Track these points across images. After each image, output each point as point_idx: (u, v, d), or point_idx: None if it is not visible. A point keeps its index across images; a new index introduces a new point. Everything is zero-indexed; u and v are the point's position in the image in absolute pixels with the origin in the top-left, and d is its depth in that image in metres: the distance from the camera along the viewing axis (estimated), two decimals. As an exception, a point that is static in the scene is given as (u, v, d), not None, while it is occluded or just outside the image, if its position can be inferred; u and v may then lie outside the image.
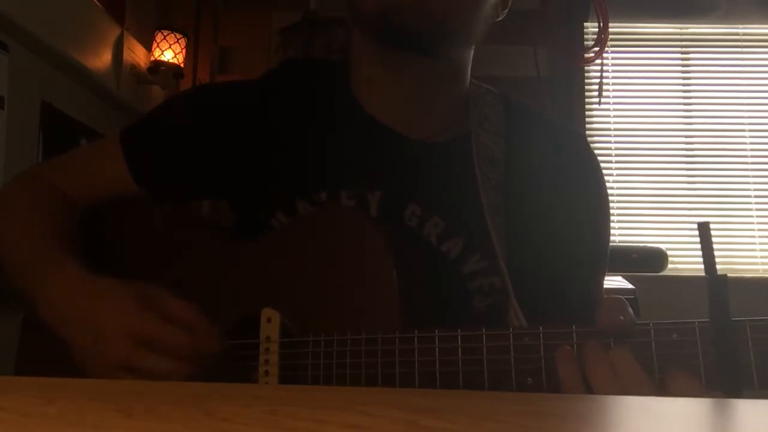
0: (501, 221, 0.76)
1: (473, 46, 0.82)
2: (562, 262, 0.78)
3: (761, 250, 2.57)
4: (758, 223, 2.59)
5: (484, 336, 0.59)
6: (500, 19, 0.82)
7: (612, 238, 2.54)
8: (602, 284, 0.83)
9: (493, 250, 0.74)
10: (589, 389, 0.54)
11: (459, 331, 0.60)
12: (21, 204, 0.83)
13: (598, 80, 2.61)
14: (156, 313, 0.65)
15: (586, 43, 2.68)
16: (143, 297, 0.66)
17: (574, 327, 0.57)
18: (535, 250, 0.77)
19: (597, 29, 2.59)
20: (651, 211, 2.63)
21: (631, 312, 0.55)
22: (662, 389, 0.53)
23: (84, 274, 0.71)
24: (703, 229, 0.51)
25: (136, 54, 2.35)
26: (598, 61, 2.61)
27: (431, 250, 0.76)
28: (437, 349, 0.60)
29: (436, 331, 0.60)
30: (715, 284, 0.51)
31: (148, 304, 0.66)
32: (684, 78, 2.73)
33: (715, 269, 0.51)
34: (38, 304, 0.72)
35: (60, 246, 0.74)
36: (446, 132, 0.81)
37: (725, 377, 0.51)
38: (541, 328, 0.57)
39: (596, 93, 2.60)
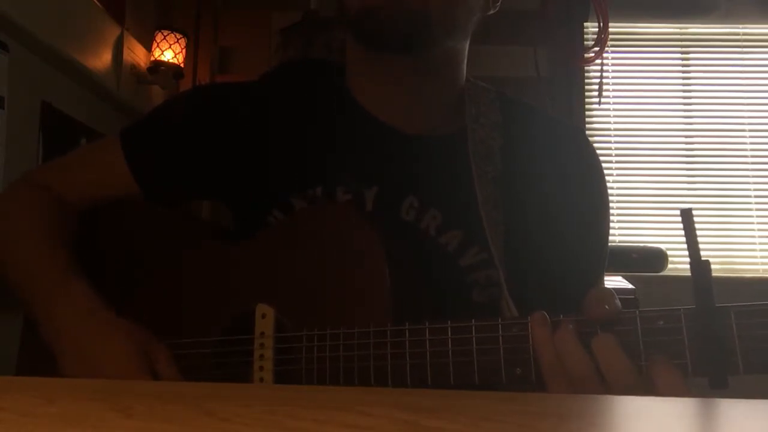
0: (498, 215, 0.76)
1: (465, 41, 0.81)
2: (560, 256, 0.78)
3: (761, 250, 2.57)
4: (758, 223, 2.58)
5: (473, 327, 0.59)
6: (492, 12, 0.82)
7: (612, 238, 2.55)
8: (602, 281, 0.83)
9: (489, 243, 0.74)
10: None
11: (449, 323, 0.60)
12: (21, 213, 0.82)
13: (598, 80, 2.61)
14: (149, 370, 0.67)
15: (586, 43, 2.68)
16: (142, 351, 0.68)
17: (561, 316, 0.57)
18: (533, 243, 0.78)
19: (597, 29, 2.59)
20: (651, 211, 2.63)
21: (618, 302, 0.56)
22: (643, 378, 0.53)
23: (89, 303, 0.71)
24: (686, 216, 0.52)
25: (136, 54, 2.35)
26: (598, 61, 2.60)
27: (430, 242, 0.76)
28: (428, 341, 0.60)
29: (427, 323, 0.61)
30: (699, 270, 0.52)
31: (145, 360, 0.67)
32: (684, 78, 2.73)
33: (699, 255, 0.52)
34: (41, 326, 0.72)
35: (64, 266, 0.74)
36: (443, 127, 0.81)
37: (711, 363, 0.51)
38: (529, 318, 0.58)
39: (596, 93, 2.60)
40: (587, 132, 2.65)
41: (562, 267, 0.78)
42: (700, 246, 0.52)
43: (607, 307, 0.55)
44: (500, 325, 0.59)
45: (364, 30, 0.74)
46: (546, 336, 0.56)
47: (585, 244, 0.81)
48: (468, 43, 0.82)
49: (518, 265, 0.75)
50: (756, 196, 2.61)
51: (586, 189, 0.82)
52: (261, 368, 0.68)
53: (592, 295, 0.56)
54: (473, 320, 0.60)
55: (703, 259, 0.52)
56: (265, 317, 0.68)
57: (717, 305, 0.52)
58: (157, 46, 2.39)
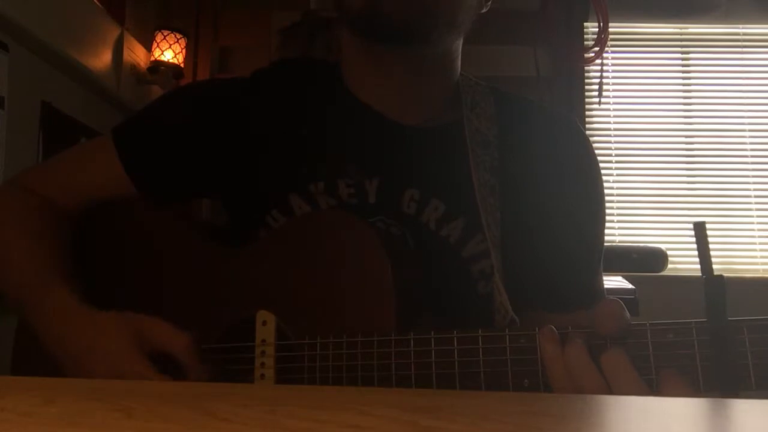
0: (495, 201, 0.76)
1: (460, 37, 0.82)
2: (555, 243, 0.78)
3: (761, 250, 2.57)
4: (758, 223, 2.58)
5: (480, 338, 0.59)
6: (485, 11, 0.83)
7: (612, 238, 2.55)
8: (598, 272, 0.82)
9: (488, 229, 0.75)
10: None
11: (455, 332, 0.60)
12: (10, 220, 0.80)
13: (598, 80, 2.61)
14: (147, 353, 0.66)
15: (586, 43, 2.68)
16: (136, 335, 0.67)
17: (569, 327, 0.57)
18: (528, 230, 0.78)
19: (597, 29, 2.59)
20: (651, 211, 2.63)
21: (627, 315, 0.56)
22: (653, 388, 0.53)
23: (73, 305, 0.70)
24: (699, 229, 0.51)
25: (136, 54, 2.35)
26: (598, 61, 2.61)
27: (430, 237, 0.76)
28: (433, 351, 0.60)
29: (432, 333, 0.60)
30: (711, 285, 0.51)
31: (141, 343, 0.66)
32: (684, 78, 2.73)
33: (711, 269, 0.51)
34: (34, 329, 0.72)
35: (49, 271, 0.74)
36: (439, 118, 0.82)
37: (722, 378, 0.51)
38: (537, 329, 0.57)
39: (596, 93, 2.60)
40: (587, 132, 2.65)
41: (557, 255, 0.78)
42: (701, 246, 0.52)
43: (617, 323, 0.55)
44: (507, 336, 0.58)
45: (366, 21, 0.74)
46: (555, 351, 0.56)
47: (580, 232, 0.81)
48: (462, 39, 0.83)
49: (513, 251, 0.75)
50: (756, 196, 2.61)
51: (579, 178, 0.83)
52: (262, 376, 0.67)
53: (600, 309, 0.56)
54: (480, 330, 0.59)
55: (716, 274, 0.51)
56: (266, 324, 0.68)
57: (729, 319, 0.51)
58: (157, 46, 2.39)
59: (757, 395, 0.44)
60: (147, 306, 0.76)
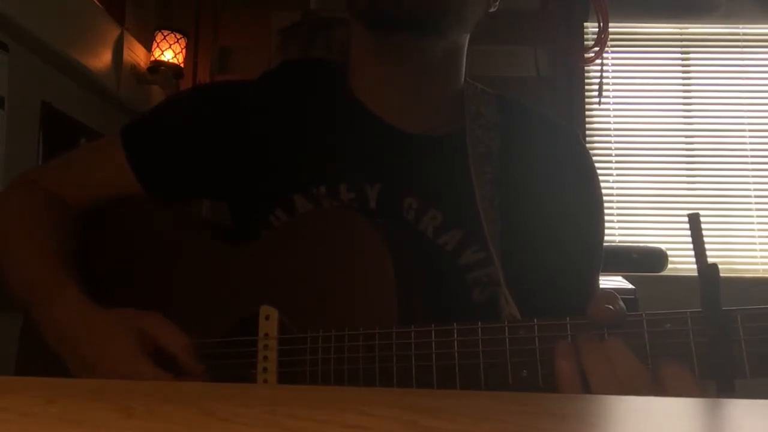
0: (496, 213, 0.76)
1: (467, 32, 0.82)
2: (556, 255, 0.78)
3: (761, 250, 2.57)
4: (758, 222, 2.59)
5: (479, 329, 0.59)
6: (493, 10, 0.83)
7: (612, 238, 2.55)
8: (598, 280, 0.83)
9: (487, 241, 0.75)
10: (586, 382, 0.55)
11: (455, 325, 0.60)
12: (19, 214, 0.81)
13: (598, 80, 2.61)
14: (149, 351, 0.68)
15: (586, 43, 2.68)
16: (138, 334, 0.68)
17: (567, 319, 0.57)
18: (529, 241, 0.78)
19: (597, 29, 2.59)
20: (651, 211, 2.63)
21: (622, 304, 0.56)
22: (655, 379, 0.53)
23: (83, 305, 0.72)
24: (694, 221, 0.52)
25: (136, 54, 2.35)
26: (598, 61, 2.61)
27: (428, 244, 0.77)
28: (433, 343, 0.60)
29: (433, 325, 0.61)
30: (706, 274, 0.52)
31: (143, 342, 0.68)
32: (684, 78, 2.73)
33: (706, 260, 0.52)
34: (40, 327, 0.73)
35: (60, 269, 0.75)
36: (443, 127, 0.82)
37: (717, 367, 0.51)
38: (535, 320, 0.58)
39: (596, 93, 2.60)
40: (587, 132, 2.65)
41: (558, 264, 0.78)
42: (701, 246, 0.52)
43: (611, 308, 0.55)
44: (506, 328, 0.59)
45: (378, 11, 0.73)
46: (573, 366, 0.55)
47: (579, 242, 0.81)
48: (468, 40, 0.83)
49: (515, 262, 0.75)
50: (756, 196, 2.61)
51: (579, 188, 0.83)
52: (265, 370, 0.68)
53: (596, 298, 0.57)
54: (479, 323, 0.60)
55: (710, 263, 0.51)
56: (268, 319, 0.68)
57: (724, 309, 0.51)
58: (157, 46, 2.39)
59: (753, 387, 0.44)
60: (150, 305, 0.77)
